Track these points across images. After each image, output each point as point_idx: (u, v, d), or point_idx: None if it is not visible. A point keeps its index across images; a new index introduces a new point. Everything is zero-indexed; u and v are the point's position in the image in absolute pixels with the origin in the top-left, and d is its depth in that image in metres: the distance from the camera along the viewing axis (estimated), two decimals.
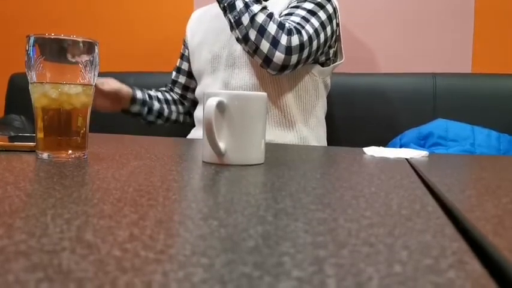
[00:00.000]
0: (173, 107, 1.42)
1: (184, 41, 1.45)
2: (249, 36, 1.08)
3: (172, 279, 0.19)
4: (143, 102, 1.33)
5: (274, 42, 1.07)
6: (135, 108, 1.32)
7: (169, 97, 1.43)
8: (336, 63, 1.29)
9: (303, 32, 1.10)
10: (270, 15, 1.09)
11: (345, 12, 1.61)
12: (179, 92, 1.45)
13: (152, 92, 1.38)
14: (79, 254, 0.22)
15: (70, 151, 0.57)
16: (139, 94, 1.33)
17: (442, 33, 1.62)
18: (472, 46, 1.60)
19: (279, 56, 1.08)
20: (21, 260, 0.20)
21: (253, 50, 1.09)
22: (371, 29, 1.67)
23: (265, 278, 0.19)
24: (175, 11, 1.86)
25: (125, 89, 1.28)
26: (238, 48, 1.20)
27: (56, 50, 0.56)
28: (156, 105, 1.37)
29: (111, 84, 1.25)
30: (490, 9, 1.58)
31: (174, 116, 1.43)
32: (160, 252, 0.22)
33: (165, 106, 1.39)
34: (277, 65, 1.09)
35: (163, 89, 1.46)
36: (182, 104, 1.45)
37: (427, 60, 1.63)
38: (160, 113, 1.38)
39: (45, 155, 0.57)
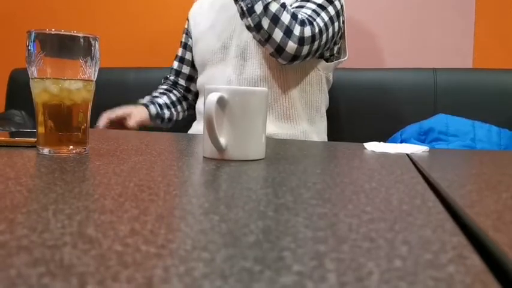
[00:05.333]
0: (179, 107, 1.42)
1: (187, 30, 1.43)
2: (262, 24, 1.07)
3: (174, 273, 0.19)
4: (157, 115, 1.35)
5: (288, 32, 1.08)
6: (151, 124, 1.35)
7: (174, 98, 1.42)
8: (340, 59, 1.30)
9: (315, 24, 1.11)
10: (284, 5, 1.09)
11: (346, 7, 1.61)
12: (183, 84, 1.43)
13: (160, 99, 1.38)
14: (80, 248, 0.22)
15: (71, 146, 0.57)
16: (153, 110, 1.34)
17: (443, 28, 1.61)
18: (473, 41, 1.60)
19: (291, 46, 1.08)
20: (23, 255, 0.21)
21: (265, 39, 1.09)
22: (371, 24, 1.67)
23: (266, 273, 0.20)
24: (176, 6, 1.85)
25: (144, 116, 1.30)
26: (246, 39, 1.20)
27: (57, 46, 0.56)
28: (167, 113, 1.38)
29: (133, 118, 1.27)
30: (491, 4, 1.58)
31: (180, 116, 1.44)
32: (162, 247, 0.22)
33: (172, 110, 1.40)
34: (289, 54, 1.09)
35: (165, 87, 1.43)
36: (186, 99, 1.44)
37: (428, 55, 1.62)
38: (170, 119, 1.40)
39: (46, 151, 0.57)
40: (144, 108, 1.31)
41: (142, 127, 1.30)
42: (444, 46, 1.62)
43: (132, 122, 1.26)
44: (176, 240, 0.24)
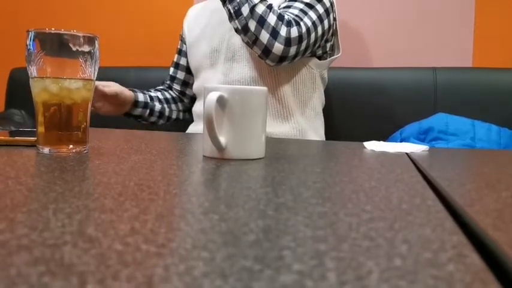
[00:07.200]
0: (173, 106, 1.42)
1: (182, 36, 1.45)
2: (249, 26, 1.08)
3: (174, 272, 0.19)
4: (145, 105, 1.33)
5: (274, 33, 1.08)
6: (137, 111, 1.33)
7: (168, 96, 1.42)
8: (333, 57, 1.30)
9: (302, 24, 1.11)
10: (270, 6, 1.09)
11: (345, 6, 1.61)
12: (178, 88, 1.44)
13: (153, 93, 1.38)
14: (81, 248, 0.22)
15: (71, 146, 0.57)
16: (141, 97, 1.32)
17: (443, 27, 1.61)
18: (473, 40, 1.60)
19: (278, 47, 1.08)
20: (23, 254, 0.21)
21: (252, 41, 1.09)
22: (371, 23, 1.67)
23: (266, 272, 0.20)
24: (176, 5, 1.85)
25: (126, 92, 1.27)
26: (237, 41, 1.20)
27: (57, 45, 0.56)
28: (157, 106, 1.37)
29: (112, 87, 1.24)
30: (491, 3, 1.58)
31: (174, 115, 1.43)
32: (162, 246, 0.22)
33: (165, 106, 1.39)
34: (276, 56, 1.09)
35: (162, 87, 1.45)
36: (182, 101, 1.45)
37: (428, 54, 1.62)
38: (161, 113, 1.38)
39: (46, 150, 0.57)
40: (129, 90, 1.29)
41: (119, 110, 1.27)
42: (444, 45, 1.62)
43: (107, 89, 1.20)
44: (176, 239, 0.24)
